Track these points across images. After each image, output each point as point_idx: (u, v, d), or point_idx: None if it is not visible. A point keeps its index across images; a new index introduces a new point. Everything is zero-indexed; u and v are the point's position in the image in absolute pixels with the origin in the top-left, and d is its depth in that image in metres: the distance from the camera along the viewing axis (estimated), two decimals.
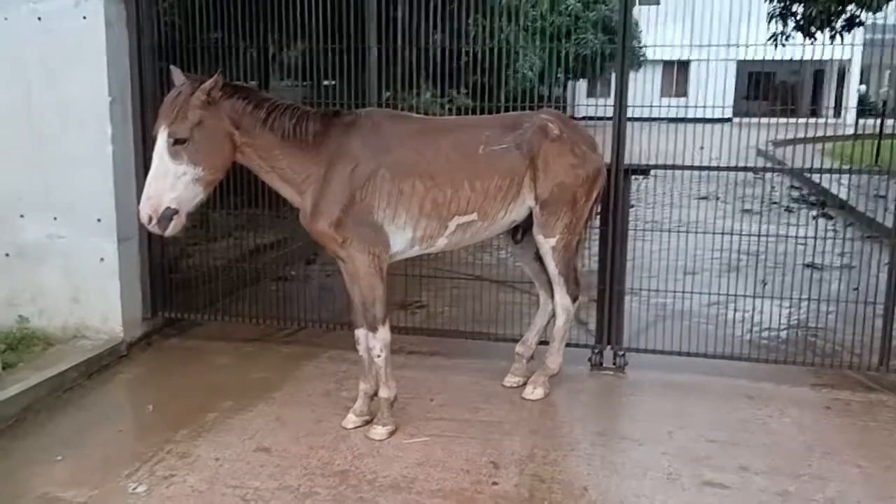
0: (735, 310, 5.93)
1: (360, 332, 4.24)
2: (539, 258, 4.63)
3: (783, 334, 5.68)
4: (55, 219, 5.17)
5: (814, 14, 10.70)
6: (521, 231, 4.53)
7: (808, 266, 5.84)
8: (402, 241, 4.06)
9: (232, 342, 5.60)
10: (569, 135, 4.34)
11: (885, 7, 9.28)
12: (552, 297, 4.65)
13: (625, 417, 4.50)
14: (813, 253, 5.69)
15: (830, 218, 9.15)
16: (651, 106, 5.12)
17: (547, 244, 4.38)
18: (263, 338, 5.72)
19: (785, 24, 11.17)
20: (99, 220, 5.14)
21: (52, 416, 4.37)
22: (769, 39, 10.43)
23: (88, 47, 4.98)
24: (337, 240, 3.91)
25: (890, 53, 4.96)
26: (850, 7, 10.12)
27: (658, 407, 4.53)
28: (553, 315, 4.71)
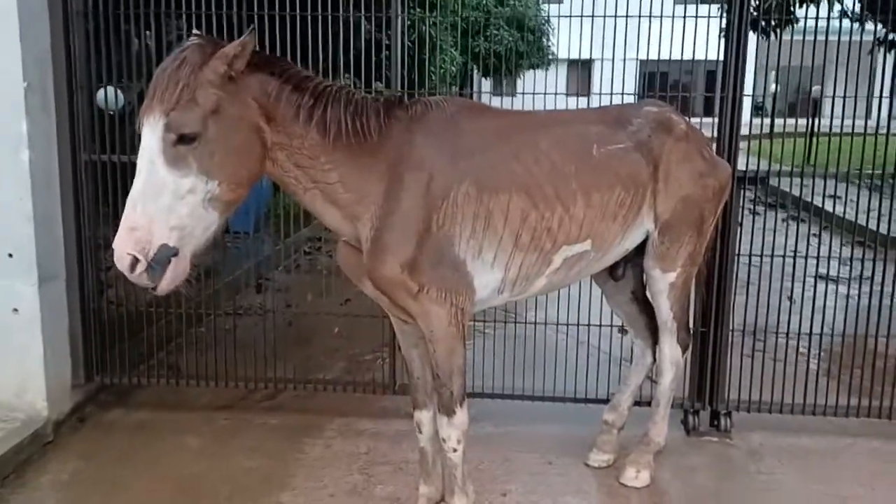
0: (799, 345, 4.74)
1: (424, 416, 3.01)
2: (637, 298, 3.53)
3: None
4: None
5: None
6: (623, 263, 3.38)
7: (821, 278, 4.62)
8: (488, 284, 2.83)
9: (195, 411, 4.18)
10: (693, 133, 3.24)
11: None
12: (651, 347, 3.55)
13: None
14: (817, 263, 4.50)
15: (803, 221, 8.25)
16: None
17: (664, 280, 3.25)
18: (235, 402, 4.31)
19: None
20: (10, 256, 3.66)
21: None
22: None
23: None
24: (410, 288, 2.63)
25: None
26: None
27: (807, 490, 3.46)
28: (651, 370, 3.62)
